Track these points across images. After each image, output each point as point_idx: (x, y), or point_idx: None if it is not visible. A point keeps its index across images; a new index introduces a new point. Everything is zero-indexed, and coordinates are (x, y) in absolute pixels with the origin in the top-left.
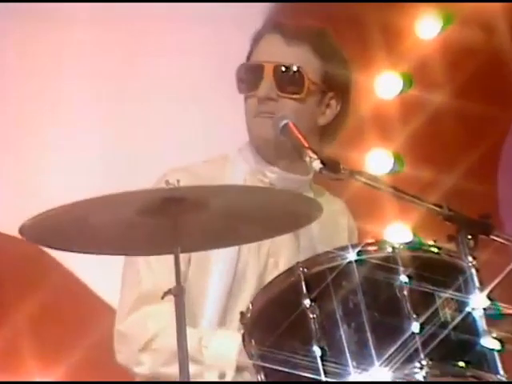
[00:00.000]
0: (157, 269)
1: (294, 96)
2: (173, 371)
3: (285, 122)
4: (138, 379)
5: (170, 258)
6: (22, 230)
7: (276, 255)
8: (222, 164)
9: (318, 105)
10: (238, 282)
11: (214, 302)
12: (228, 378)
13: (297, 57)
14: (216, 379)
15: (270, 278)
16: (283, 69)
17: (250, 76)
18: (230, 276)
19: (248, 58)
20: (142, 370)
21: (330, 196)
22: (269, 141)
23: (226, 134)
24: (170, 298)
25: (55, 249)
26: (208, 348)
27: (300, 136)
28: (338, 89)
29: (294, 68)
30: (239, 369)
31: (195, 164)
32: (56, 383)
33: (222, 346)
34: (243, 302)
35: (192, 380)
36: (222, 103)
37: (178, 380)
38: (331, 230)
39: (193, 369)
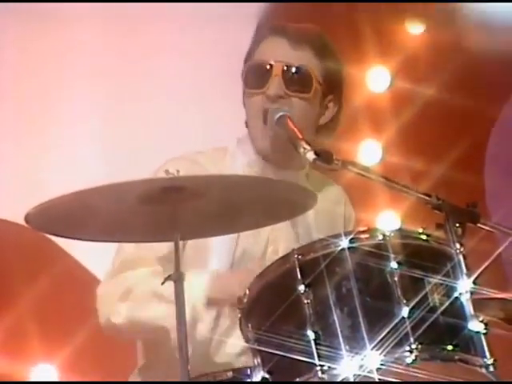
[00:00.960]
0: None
1: (302, 95)
2: (148, 314)
3: (281, 113)
4: (139, 358)
5: None
6: (27, 218)
7: (275, 243)
8: (222, 155)
9: (320, 106)
10: (236, 268)
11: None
12: (199, 311)
13: (302, 59)
14: (189, 314)
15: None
16: (292, 69)
17: (257, 74)
18: (228, 263)
19: (248, 57)
20: (119, 318)
21: (327, 183)
22: (271, 135)
23: (224, 131)
24: (152, 263)
25: (59, 236)
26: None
27: (295, 128)
28: (336, 91)
29: (303, 69)
30: (212, 302)
31: (196, 153)
32: (56, 383)
33: (191, 283)
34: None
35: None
36: (221, 101)
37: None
38: (328, 218)
39: (169, 309)
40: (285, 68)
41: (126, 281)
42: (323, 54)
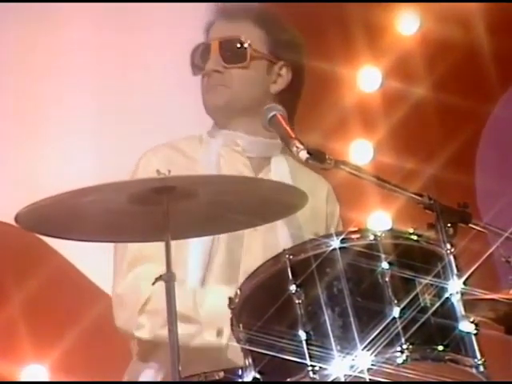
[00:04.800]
0: None
1: (239, 65)
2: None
3: (272, 113)
4: (133, 354)
5: None
6: (17, 218)
7: (252, 238)
8: (198, 141)
9: (268, 73)
10: (216, 243)
11: (195, 262)
12: (226, 335)
13: (239, 30)
14: (214, 337)
15: (247, 240)
16: (227, 42)
17: (200, 57)
18: (205, 260)
19: None
20: (143, 333)
21: (305, 169)
22: (220, 108)
23: None
24: (157, 259)
25: (50, 236)
26: (202, 306)
27: (287, 127)
28: (287, 58)
29: (237, 39)
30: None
31: (177, 140)
32: (56, 383)
33: (216, 302)
34: (222, 261)
35: (191, 338)
36: None
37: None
38: (310, 204)
39: (191, 329)
40: (221, 43)
41: (141, 284)
42: (265, 22)
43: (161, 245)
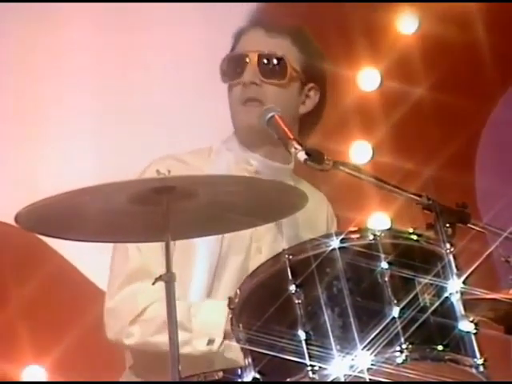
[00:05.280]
0: (143, 248)
1: (277, 82)
2: (163, 339)
3: (271, 114)
4: (126, 366)
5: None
6: (17, 218)
7: (259, 241)
8: (206, 154)
9: (299, 94)
10: (221, 265)
11: (198, 284)
12: (216, 344)
13: (278, 46)
14: (205, 346)
15: (252, 262)
16: (266, 56)
17: (234, 65)
18: (214, 259)
19: (230, 52)
20: (132, 340)
21: (310, 187)
22: (253, 127)
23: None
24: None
25: (50, 236)
26: (196, 317)
27: (286, 128)
28: (316, 80)
29: (277, 55)
30: (228, 336)
31: (182, 153)
32: (56, 383)
33: (210, 314)
34: (226, 285)
35: (181, 345)
36: (219, 99)
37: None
38: (312, 219)
39: (182, 336)
40: (260, 56)
41: (138, 297)
42: (301, 41)
43: (163, 261)
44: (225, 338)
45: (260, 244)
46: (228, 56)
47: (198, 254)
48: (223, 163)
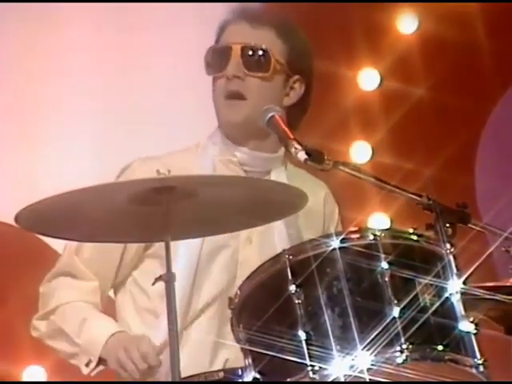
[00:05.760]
0: (96, 250)
1: (261, 74)
2: (56, 345)
3: (271, 114)
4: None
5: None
6: (17, 218)
7: (249, 231)
8: (194, 151)
9: (283, 86)
10: (208, 260)
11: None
12: (91, 366)
13: (262, 38)
14: (84, 365)
15: (243, 252)
16: (250, 48)
17: (218, 58)
18: (195, 259)
19: (215, 44)
20: (36, 334)
21: (305, 174)
22: (237, 124)
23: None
24: (90, 278)
25: (50, 236)
26: (83, 333)
27: (285, 128)
28: (302, 72)
29: (261, 47)
30: (102, 360)
31: (167, 154)
32: (55, 383)
33: (94, 334)
34: (215, 280)
35: (68, 357)
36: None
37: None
38: (306, 211)
39: (71, 348)
40: (243, 49)
41: (56, 293)
42: (286, 33)
43: (110, 264)
44: (102, 361)
45: (250, 234)
46: (212, 48)
47: (178, 259)
48: (208, 158)
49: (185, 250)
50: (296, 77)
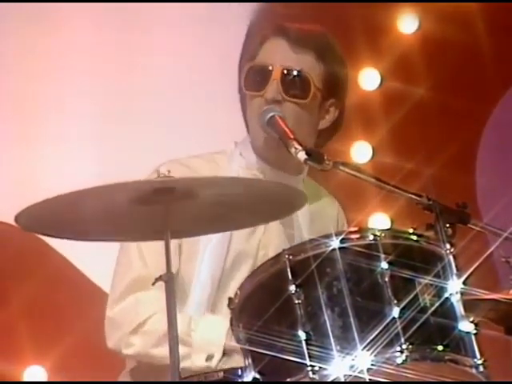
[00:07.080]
0: (148, 256)
1: (299, 101)
2: (163, 352)
3: (271, 114)
4: (127, 366)
5: (161, 247)
6: (17, 219)
7: (266, 248)
8: (218, 158)
9: (319, 110)
10: (227, 272)
11: (202, 291)
12: (215, 360)
13: (303, 62)
14: (203, 361)
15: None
16: (291, 73)
17: (257, 76)
18: (219, 267)
19: (250, 58)
20: (131, 351)
21: (324, 193)
22: (272, 149)
23: (221, 131)
24: (160, 285)
25: (50, 236)
26: (196, 331)
27: (286, 128)
28: (337, 95)
29: (302, 73)
30: (227, 352)
31: (190, 157)
32: (56, 383)
33: (210, 330)
34: (233, 292)
35: (181, 360)
36: (218, 101)
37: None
38: (321, 225)
39: (182, 350)
40: (284, 72)
41: (140, 307)
42: (326, 57)
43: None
44: (224, 353)
45: (267, 251)
46: (252, 65)
47: (203, 263)
48: (233, 169)
49: (209, 263)
50: (331, 100)
